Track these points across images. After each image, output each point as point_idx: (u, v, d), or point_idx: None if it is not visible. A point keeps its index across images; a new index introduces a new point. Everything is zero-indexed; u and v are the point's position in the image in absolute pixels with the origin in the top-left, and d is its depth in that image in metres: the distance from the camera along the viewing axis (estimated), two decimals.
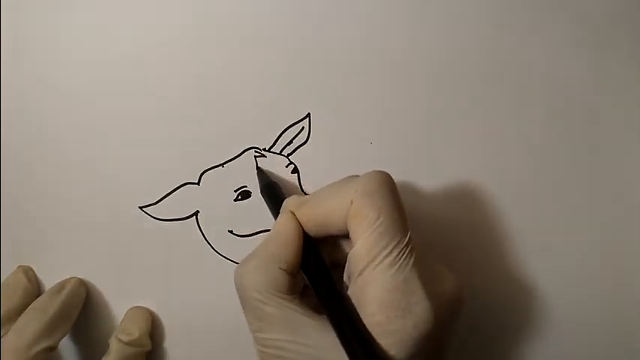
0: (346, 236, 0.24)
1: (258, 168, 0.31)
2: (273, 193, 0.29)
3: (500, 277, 0.32)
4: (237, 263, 0.32)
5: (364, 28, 0.30)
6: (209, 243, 0.32)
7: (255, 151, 0.31)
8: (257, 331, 0.24)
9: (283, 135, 0.31)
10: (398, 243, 0.23)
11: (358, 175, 0.25)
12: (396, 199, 0.24)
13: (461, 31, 0.30)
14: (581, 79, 0.31)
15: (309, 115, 0.31)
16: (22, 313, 0.29)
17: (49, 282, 0.32)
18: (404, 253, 0.23)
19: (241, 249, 0.32)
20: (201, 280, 0.32)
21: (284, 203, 0.27)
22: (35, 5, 0.29)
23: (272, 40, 0.30)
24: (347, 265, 0.24)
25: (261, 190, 0.30)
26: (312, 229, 0.26)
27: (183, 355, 0.33)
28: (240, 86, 0.30)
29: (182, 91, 0.30)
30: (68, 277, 0.32)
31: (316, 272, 0.25)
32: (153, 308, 0.33)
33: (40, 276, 0.32)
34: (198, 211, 0.31)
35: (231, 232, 0.32)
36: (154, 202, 0.31)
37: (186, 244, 0.32)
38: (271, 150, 0.31)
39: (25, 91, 0.31)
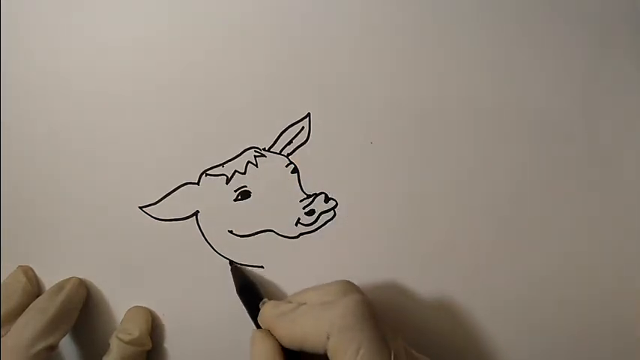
0: None
1: (232, 265, 0.32)
2: (251, 295, 0.30)
3: (500, 278, 0.32)
4: (237, 263, 0.32)
5: (364, 28, 0.30)
6: (209, 243, 0.32)
7: (255, 151, 0.31)
8: None
9: (283, 135, 0.31)
10: None
11: (333, 301, 0.26)
12: (373, 328, 0.24)
13: (460, 30, 0.30)
14: (579, 79, 0.31)
15: (309, 115, 0.31)
16: (22, 313, 0.29)
17: (49, 282, 0.32)
18: None
19: (241, 249, 0.32)
20: (201, 280, 0.32)
21: (260, 313, 0.28)
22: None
23: (273, 40, 0.30)
24: None
25: (238, 291, 0.31)
26: (288, 345, 0.26)
27: (183, 355, 0.33)
28: (240, 86, 0.30)
29: (182, 91, 0.30)
30: (68, 277, 0.32)
31: None
32: (153, 308, 0.33)
33: (40, 276, 0.32)
34: (198, 211, 0.31)
35: (231, 232, 0.32)
36: (154, 202, 0.31)
37: (186, 244, 0.32)
38: (271, 150, 0.31)
39: (24, 92, 0.31)
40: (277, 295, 0.32)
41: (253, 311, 0.29)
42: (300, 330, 0.26)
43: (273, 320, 0.27)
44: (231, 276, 0.32)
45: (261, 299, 0.30)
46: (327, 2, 0.30)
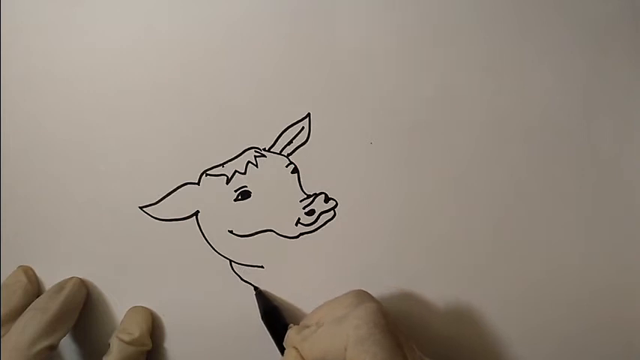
0: None
1: (256, 290, 0.32)
2: (275, 319, 0.30)
3: (501, 278, 0.32)
4: (237, 263, 0.32)
5: (364, 28, 0.30)
6: (209, 243, 0.32)
7: (255, 151, 0.31)
8: None
9: (283, 135, 0.31)
10: None
11: (347, 314, 0.26)
12: (388, 337, 0.24)
13: (461, 30, 0.30)
14: (579, 79, 0.31)
15: (309, 115, 0.31)
16: (22, 312, 0.30)
17: (49, 282, 0.32)
18: None
19: (241, 249, 0.32)
20: (201, 280, 0.32)
21: (287, 337, 0.29)
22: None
23: (272, 39, 0.30)
24: None
25: (262, 316, 0.31)
26: None
27: (183, 355, 0.33)
28: (240, 86, 0.30)
29: (182, 91, 0.30)
30: (68, 277, 0.32)
31: None
32: (153, 308, 0.33)
33: (40, 276, 0.32)
34: (198, 211, 0.31)
35: (231, 232, 0.32)
36: (154, 202, 0.31)
37: (187, 244, 0.32)
38: (271, 150, 0.31)
39: (24, 92, 0.31)
40: (278, 296, 0.32)
41: (277, 335, 0.30)
42: (319, 351, 0.26)
43: (297, 345, 0.27)
44: (231, 276, 0.32)
45: (285, 323, 0.30)
46: (328, 2, 0.30)
